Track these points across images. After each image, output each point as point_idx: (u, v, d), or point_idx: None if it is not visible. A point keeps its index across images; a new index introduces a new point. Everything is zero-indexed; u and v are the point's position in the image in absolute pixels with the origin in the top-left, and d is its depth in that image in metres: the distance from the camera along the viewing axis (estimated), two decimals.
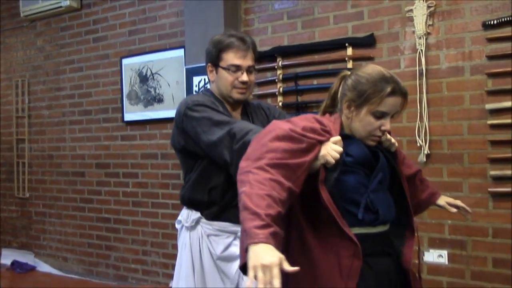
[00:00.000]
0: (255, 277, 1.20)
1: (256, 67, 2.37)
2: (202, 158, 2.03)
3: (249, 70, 2.08)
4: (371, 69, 1.66)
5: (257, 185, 1.38)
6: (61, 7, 4.82)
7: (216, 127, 1.91)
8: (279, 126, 1.55)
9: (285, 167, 1.44)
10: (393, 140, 1.80)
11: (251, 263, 1.23)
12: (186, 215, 2.13)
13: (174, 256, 4.24)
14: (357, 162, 1.62)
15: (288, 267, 1.23)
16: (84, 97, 4.88)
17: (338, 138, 1.58)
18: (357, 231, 1.59)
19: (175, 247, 4.24)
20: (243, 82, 2.06)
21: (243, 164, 1.48)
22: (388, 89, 1.60)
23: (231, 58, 2.05)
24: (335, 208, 1.53)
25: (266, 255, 1.23)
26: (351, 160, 1.62)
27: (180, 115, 2.03)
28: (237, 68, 2.05)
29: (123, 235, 4.62)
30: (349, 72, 1.74)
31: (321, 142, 1.55)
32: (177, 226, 2.23)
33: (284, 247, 1.64)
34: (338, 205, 1.57)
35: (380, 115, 1.63)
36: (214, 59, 2.09)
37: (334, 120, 1.68)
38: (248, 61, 2.07)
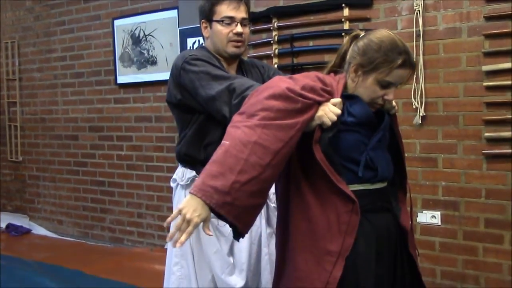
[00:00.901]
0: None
1: (252, 28, 2.34)
2: (199, 113, 2.01)
3: (243, 23, 2.06)
4: (385, 36, 1.61)
5: (239, 145, 1.42)
6: None
7: (215, 82, 1.90)
8: (278, 83, 1.54)
9: (276, 127, 1.45)
10: (394, 103, 1.79)
11: (183, 206, 1.40)
12: (181, 173, 2.13)
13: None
14: (359, 123, 1.62)
15: (207, 231, 1.45)
16: (76, 59, 4.81)
17: (338, 100, 1.57)
18: (356, 187, 1.60)
19: (170, 209, 4.26)
20: (238, 34, 2.04)
21: (236, 117, 1.51)
22: (399, 61, 1.57)
23: (224, 10, 2.04)
24: (329, 167, 1.54)
25: (197, 212, 1.40)
26: (353, 120, 1.61)
27: (177, 68, 2.00)
28: (231, 19, 2.03)
29: (118, 198, 4.64)
30: (362, 33, 1.69)
31: (319, 103, 1.54)
32: (172, 184, 2.23)
33: (285, 204, 1.68)
34: (335, 163, 1.57)
35: (386, 85, 1.61)
36: (208, 13, 2.07)
37: (338, 80, 1.65)
38: (241, 13, 2.05)
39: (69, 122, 4.92)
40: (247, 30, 2.09)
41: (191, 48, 3.83)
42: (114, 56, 4.49)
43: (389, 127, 1.74)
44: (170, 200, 4.24)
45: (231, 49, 2.06)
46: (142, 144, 4.43)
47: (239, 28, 2.04)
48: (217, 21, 2.04)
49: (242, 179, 1.39)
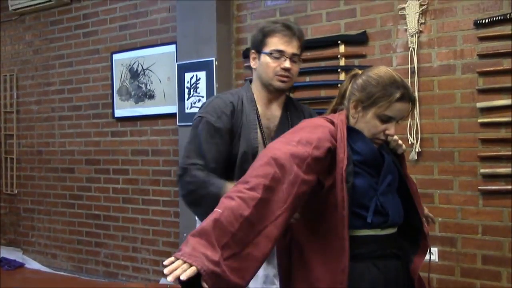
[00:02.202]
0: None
1: (245, 64, 2.34)
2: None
3: (293, 59, 2.00)
4: (382, 72, 1.64)
5: (231, 217, 1.37)
6: (50, 1, 4.78)
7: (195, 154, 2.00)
8: (273, 152, 1.53)
9: (265, 204, 1.44)
10: (400, 141, 1.79)
11: (182, 257, 1.30)
12: None
13: (164, 253, 4.26)
14: (364, 161, 1.61)
15: None
16: (74, 93, 4.84)
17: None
18: (365, 233, 1.59)
19: (165, 244, 4.23)
20: (286, 69, 1.98)
21: (234, 187, 1.49)
22: (397, 95, 1.59)
23: (275, 42, 1.99)
24: (347, 212, 1.54)
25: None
26: (359, 158, 1.61)
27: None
28: (281, 53, 1.98)
29: (113, 232, 4.60)
30: (360, 71, 1.73)
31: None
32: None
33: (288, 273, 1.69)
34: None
35: (386, 119, 1.62)
36: (258, 44, 2.03)
37: (339, 114, 1.69)
38: (292, 48, 2.00)
39: (65, 155, 4.91)
40: (296, 67, 2.03)
41: (189, 82, 3.85)
42: (112, 89, 4.52)
43: (396, 167, 1.73)
44: (165, 234, 4.24)
45: (276, 83, 2.01)
46: (138, 178, 4.42)
47: (287, 64, 1.98)
48: (266, 53, 2.00)
49: (226, 254, 1.34)
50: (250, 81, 2.14)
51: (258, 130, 2.03)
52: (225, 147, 1.98)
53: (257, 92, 2.09)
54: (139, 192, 4.41)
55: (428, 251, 1.78)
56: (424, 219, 1.83)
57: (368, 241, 1.55)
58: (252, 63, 2.08)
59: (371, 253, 1.55)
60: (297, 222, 1.62)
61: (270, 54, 1.99)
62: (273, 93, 2.06)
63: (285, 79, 2.00)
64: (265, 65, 2.01)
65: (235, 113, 2.02)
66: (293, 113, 2.13)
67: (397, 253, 1.68)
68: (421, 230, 1.75)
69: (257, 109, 2.05)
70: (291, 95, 3.56)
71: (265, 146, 1.99)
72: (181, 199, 2.06)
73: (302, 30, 2.09)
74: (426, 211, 1.95)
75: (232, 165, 2.01)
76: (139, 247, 4.43)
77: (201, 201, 1.91)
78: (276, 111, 2.10)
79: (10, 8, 5.06)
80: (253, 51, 2.07)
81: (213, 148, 1.97)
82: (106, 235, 4.64)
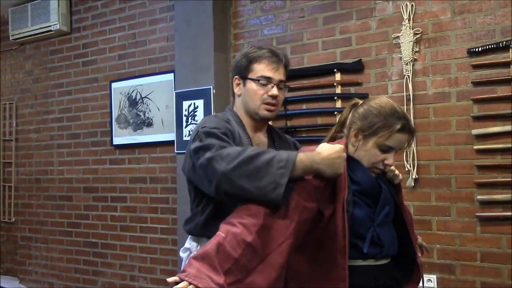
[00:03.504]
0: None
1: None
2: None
3: (279, 86, 1.95)
4: (384, 102, 1.68)
5: (234, 242, 1.38)
6: (50, 31, 4.84)
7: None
8: None
9: (268, 230, 1.45)
10: (397, 171, 1.81)
11: (186, 278, 1.30)
12: (196, 244, 1.98)
13: (162, 282, 4.22)
14: (362, 191, 1.63)
15: None
16: (73, 121, 4.86)
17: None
18: (360, 263, 1.59)
19: (163, 272, 4.20)
20: (273, 96, 1.91)
21: (234, 213, 1.49)
22: (398, 126, 1.63)
23: (261, 69, 1.92)
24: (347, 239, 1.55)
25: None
26: (357, 188, 1.62)
27: (191, 139, 1.87)
28: (268, 80, 1.92)
29: (110, 260, 4.57)
30: (360, 101, 1.76)
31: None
32: (183, 254, 2.05)
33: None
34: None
35: (386, 149, 1.65)
36: (243, 70, 1.96)
37: (338, 142, 1.71)
38: (280, 75, 1.94)
39: (63, 183, 4.91)
40: (282, 94, 1.97)
41: (187, 110, 3.89)
42: (111, 117, 4.55)
43: (393, 198, 1.75)
44: (163, 262, 4.22)
45: (263, 112, 1.94)
46: (136, 205, 4.41)
47: (274, 90, 1.91)
48: (253, 80, 1.93)
49: (229, 280, 1.35)
50: (230, 109, 2.05)
51: None
52: None
53: (242, 118, 2.00)
54: (137, 219, 4.40)
55: (421, 281, 1.78)
56: (418, 248, 1.84)
57: (362, 272, 1.55)
58: (236, 89, 2.00)
59: (365, 283, 1.55)
60: (295, 251, 1.63)
61: (257, 80, 1.92)
62: (256, 122, 1.99)
63: (272, 107, 1.94)
64: (252, 92, 1.94)
65: (231, 130, 1.89)
66: (277, 141, 2.07)
67: (390, 283, 1.68)
68: (414, 260, 1.75)
69: (248, 134, 1.97)
70: (289, 122, 3.61)
71: None
72: (222, 180, 1.60)
73: (288, 56, 2.04)
74: (420, 239, 1.96)
75: None
76: (136, 276, 4.39)
77: (265, 168, 1.55)
78: (263, 137, 2.03)
79: (11, 38, 5.12)
80: (237, 77, 1.99)
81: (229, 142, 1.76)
82: (103, 263, 4.61)
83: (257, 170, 1.55)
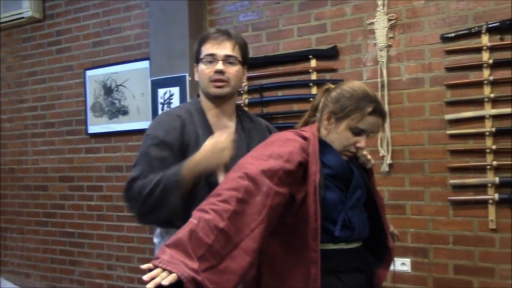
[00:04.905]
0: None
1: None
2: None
3: (227, 61, 1.92)
4: (356, 86, 1.71)
5: (206, 228, 1.37)
6: (23, 18, 4.74)
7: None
8: (245, 166, 1.54)
9: (241, 217, 1.45)
10: (369, 156, 1.82)
11: (160, 265, 1.30)
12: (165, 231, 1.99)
13: (139, 270, 4.18)
14: (334, 175, 1.64)
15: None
16: (47, 109, 4.79)
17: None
18: (330, 247, 1.61)
19: (140, 260, 4.18)
20: (218, 72, 1.90)
21: (206, 200, 1.48)
22: (370, 108, 1.65)
23: (207, 48, 1.93)
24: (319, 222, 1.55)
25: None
26: (329, 172, 1.63)
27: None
28: (213, 57, 1.91)
29: (87, 250, 4.53)
30: (332, 86, 1.78)
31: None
32: (156, 240, 2.07)
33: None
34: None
35: (358, 132, 1.66)
36: (196, 55, 1.98)
37: (310, 127, 1.72)
38: (224, 50, 1.91)
39: (38, 173, 4.84)
40: (232, 68, 1.93)
41: (162, 98, 3.86)
42: (86, 106, 4.49)
43: (365, 182, 1.76)
44: (141, 251, 4.20)
45: (212, 90, 1.92)
46: (113, 194, 4.37)
47: (218, 66, 1.90)
48: (201, 60, 1.94)
49: (203, 267, 1.34)
50: (198, 95, 2.08)
51: None
52: (176, 160, 1.84)
53: (204, 103, 2.00)
54: (114, 208, 4.37)
55: (392, 264, 1.80)
56: (389, 235, 1.86)
57: (333, 255, 1.57)
58: (195, 76, 2.02)
59: (335, 267, 1.57)
60: (268, 236, 1.63)
61: (202, 60, 1.94)
62: (215, 101, 1.98)
63: (219, 83, 1.91)
64: (201, 72, 1.95)
65: (185, 126, 1.92)
66: (248, 125, 2.06)
67: (361, 266, 1.70)
68: (385, 244, 1.77)
69: (207, 120, 1.97)
70: (265, 109, 3.61)
71: None
72: (138, 216, 1.86)
73: (240, 35, 2.03)
74: (391, 228, 1.98)
75: None
76: (114, 264, 4.37)
77: (162, 199, 1.75)
78: (227, 122, 2.01)
79: None
80: (195, 64, 2.01)
81: (163, 163, 1.84)
82: (80, 253, 4.58)
83: (158, 204, 1.76)
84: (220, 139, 1.76)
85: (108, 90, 4.36)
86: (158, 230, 2.04)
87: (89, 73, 4.47)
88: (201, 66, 1.95)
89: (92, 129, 4.47)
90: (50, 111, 4.77)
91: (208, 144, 1.76)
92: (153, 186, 1.75)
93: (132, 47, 4.26)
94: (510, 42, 2.84)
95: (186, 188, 1.75)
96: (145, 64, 4.11)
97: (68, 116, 4.66)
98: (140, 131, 4.13)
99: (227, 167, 1.74)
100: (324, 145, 1.67)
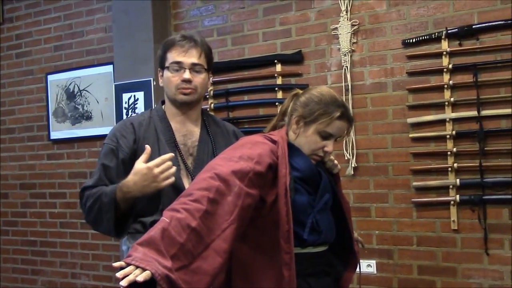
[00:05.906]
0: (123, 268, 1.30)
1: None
2: None
3: (194, 69, 1.94)
4: (325, 91, 1.74)
5: (178, 227, 1.37)
6: None
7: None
8: (215, 167, 1.54)
9: (212, 217, 1.45)
10: (336, 161, 1.85)
11: (133, 262, 1.29)
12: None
13: (105, 278, 4.14)
14: (302, 178, 1.66)
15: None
16: (7, 115, 4.67)
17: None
18: (299, 251, 1.61)
19: (106, 268, 4.12)
20: (185, 81, 1.91)
21: (177, 200, 1.48)
22: (338, 113, 1.68)
23: (173, 56, 1.93)
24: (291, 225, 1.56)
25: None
26: (297, 175, 1.65)
27: None
28: (179, 65, 1.92)
29: (50, 258, 4.43)
30: (301, 91, 1.81)
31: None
32: (124, 247, 2.08)
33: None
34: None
35: (326, 136, 1.69)
36: (161, 61, 1.98)
37: (279, 131, 1.75)
38: (191, 58, 1.93)
39: None
40: (199, 77, 1.95)
41: (127, 102, 3.81)
42: (48, 111, 4.40)
43: (331, 187, 1.79)
44: (106, 258, 4.13)
45: (179, 97, 1.94)
46: (76, 201, 4.28)
47: (186, 74, 1.91)
48: (167, 68, 1.94)
49: (176, 266, 1.34)
50: (163, 102, 2.08)
51: (173, 147, 1.95)
52: (128, 168, 1.85)
53: (168, 109, 2.02)
54: (78, 215, 4.28)
55: (357, 267, 1.83)
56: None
57: (300, 259, 1.57)
58: (160, 81, 2.02)
59: (303, 270, 1.58)
60: (239, 240, 1.63)
61: (169, 68, 1.94)
62: (181, 108, 1.99)
63: (187, 91, 1.93)
64: (166, 80, 1.96)
65: (138, 132, 1.95)
66: (214, 129, 2.07)
67: (328, 270, 1.72)
68: (351, 248, 1.80)
69: (170, 126, 1.98)
70: (231, 114, 3.61)
71: (183, 162, 1.94)
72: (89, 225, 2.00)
73: (205, 41, 2.03)
74: (355, 235, 2.01)
75: None
76: (78, 273, 4.28)
77: (99, 216, 1.86)
78: (192, 127, 2.02)
79: None
80: (159, 69, 2.02)
81: (112, 171, 1.91)
82: (43, 262, 4.47)
83: (97, 219, 1.88)
84: (141, 173, 1.76)
85: (70, 95, 4.28)
86: (125, 237, 2.02)
87: (50, 77, 4.38)
88: (167, 74, 1.96)
89: (55, 135, 4.38)
90: (10, 116, 4.66)
91: (141, 172, 1.77)
92: (93, 202, 1.87)
93: (95, 51, 4.20)
94: (469, 47, 2.92)
95: (122, 208, 1.85)
96: (108, 68, 4.06)
97: (29, 122, 4.55)
98: (104, 137, 4.03)
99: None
100: (293, 149, 1.69)
